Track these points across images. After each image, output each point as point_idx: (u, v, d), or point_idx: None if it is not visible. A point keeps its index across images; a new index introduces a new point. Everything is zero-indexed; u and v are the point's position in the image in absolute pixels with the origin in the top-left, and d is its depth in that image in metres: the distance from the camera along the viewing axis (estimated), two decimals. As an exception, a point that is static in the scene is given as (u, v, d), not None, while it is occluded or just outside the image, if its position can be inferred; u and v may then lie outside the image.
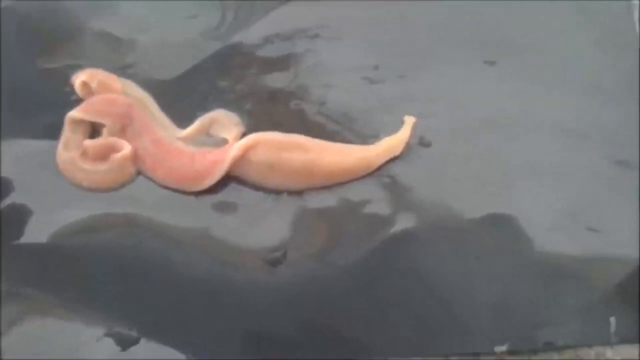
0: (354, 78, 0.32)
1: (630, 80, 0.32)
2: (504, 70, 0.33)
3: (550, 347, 0.28)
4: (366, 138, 0.31)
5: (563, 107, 0.32)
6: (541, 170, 0.30)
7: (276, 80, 0.30)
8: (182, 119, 0.32)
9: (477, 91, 0.32)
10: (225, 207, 0.30)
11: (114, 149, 0.30)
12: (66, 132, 0.31)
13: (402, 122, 0.31)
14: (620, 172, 0.30)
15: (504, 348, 0.28)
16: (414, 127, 0.31)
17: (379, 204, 0.30)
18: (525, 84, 0.32)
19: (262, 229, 0.29)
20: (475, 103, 0.32)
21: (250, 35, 0.34)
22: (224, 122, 0.31)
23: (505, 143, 0.31)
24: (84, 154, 0.30)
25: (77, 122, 0.31)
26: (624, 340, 0.28)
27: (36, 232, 0.29)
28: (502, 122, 0.31)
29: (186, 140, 0.31)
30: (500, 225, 0.29)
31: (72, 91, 0.32)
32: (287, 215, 0.30)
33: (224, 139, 0.31)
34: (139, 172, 0.31)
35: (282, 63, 0.33)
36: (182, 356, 0.27)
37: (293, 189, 0.30)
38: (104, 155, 0.30)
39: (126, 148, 0.30)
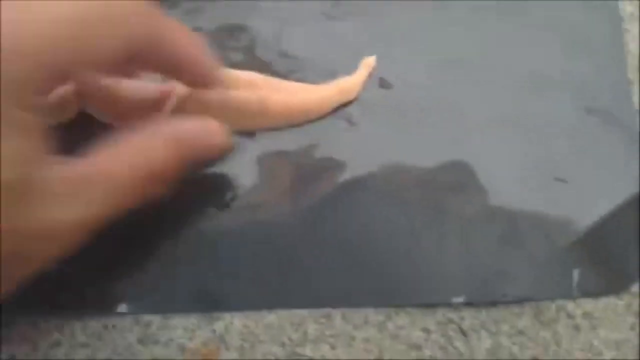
0: (311, 13, 0.30)
1: (602, 27, 0.31)
2: (474, 11, 0.31)
3: (509, 299, 0.27)
4: (323, 78, 0.29)
5: (532, 53, 0.30)
6: (506, 117, 0.29)
7: (227, 12, 0.28)
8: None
9: (445, 32, 0.30)
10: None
11: None
12: None
13: (361, 61, 0.29)
14: (589, 121, 0.29)
15: (461, 299, 0.27)
16: (375, 68, 0.29)
17: (333, 148, 0.28)
18: (495, 28, 0.30)
19: (210, 171, 0.28)
20: (442, 44, 0.30)
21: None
22: None
23: (470, 88, 0.29)
24: None
25: None
26: (586, 294, 0.27)
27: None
28: (468, 66, 0.30)
29: None
30: (460, 174, 0.28)
31: None
32: (236, 158, 0.28)
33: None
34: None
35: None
36: (124, 305, 0.26)
37: (242, 130, 0.28)
38: None
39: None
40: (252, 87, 0.28)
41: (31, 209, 0.19)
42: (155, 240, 0.27)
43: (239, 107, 0.27)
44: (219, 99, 0.27)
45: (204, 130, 0.24)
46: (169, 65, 0.23)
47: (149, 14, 0.22)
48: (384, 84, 0.29)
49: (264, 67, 0.29)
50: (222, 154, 0.25)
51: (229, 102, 0.27)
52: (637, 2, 0.31)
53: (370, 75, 0.29)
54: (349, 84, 0.29)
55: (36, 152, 0.19)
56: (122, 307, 0.26)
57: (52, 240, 0.20)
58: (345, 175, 0.28)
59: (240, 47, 0.29)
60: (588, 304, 0.27)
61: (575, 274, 0.27)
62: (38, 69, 0.18)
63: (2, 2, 0.18)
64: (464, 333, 0.27)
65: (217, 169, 0.28)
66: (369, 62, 0.29)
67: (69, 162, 0.20)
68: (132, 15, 0.21)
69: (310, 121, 0.28)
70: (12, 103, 0.18)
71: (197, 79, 0.25)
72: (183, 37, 0.23)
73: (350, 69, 0.29)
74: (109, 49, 0.20)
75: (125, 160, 0.22)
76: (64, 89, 0.25)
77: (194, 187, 0.27)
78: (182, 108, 0.27)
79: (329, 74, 0.29)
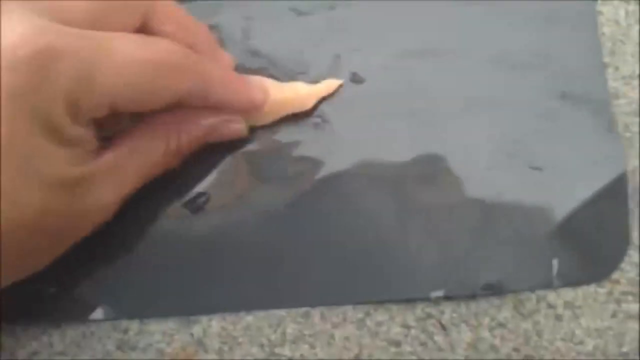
0: (281, 10, 0.30)
1: (575, 10, 0.30)
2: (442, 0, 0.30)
3: (489, 291, 0.26)
4: (294, 75, 0.29)
5: (504, 38, 0.29)
6: (480, 105, 0.28)
7: (194, 11, 0.27)
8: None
9: (415, 21, 0.30)
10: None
11: None
12: None
13: (333, 57, 0.29)
14: (563, 106, 0.28)
15: (440, 293, 0.26)
16: (346, 63, 0.29)
17: (308, 145, 0.28)
18: (465, 13, 0.30)
19: (184, 173, 0.27)
20: (413, 34, 0.29)
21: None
22: None
23: (443, 77, 0.29)
24: None
25: None
26: (566, 283, 0.27)
27: None
28: (440, 54, 0.29)
29: None
30: (435, 166, 0.28)
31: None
32: (212, 158, 0.28)
33: None
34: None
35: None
36: (100, 311, 0.26)
37: None
38: None
39: None
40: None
41: (85, 195, 0.23)
42: (130, 244, 0.27)
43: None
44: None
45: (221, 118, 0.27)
46: (215, 105, 0.26)
47: (198, 64, 0.25)
48: (355, 78, 0.29)
49: (235, 67, 0.28)
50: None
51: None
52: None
53: (327, 95, 0.29)
54: (306, 93, 0.28)
55: (90, 153, 0.23)
56: (98, 313, 0.26)
57: (96, 216, 0.24)
58: (320, 173, 0.28)
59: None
60: (569, 294, 0.27)
61: (555, 263, 0.27)
62: (103, 106, 0.22)
63: (87, 38, 0.21)
64: (444, 327, 0.26)
65: (190, 171, 0.27)
66: (331, 85, 0.28)
67: (111, 147, 0.24)
68: (185, 68, 0.24)
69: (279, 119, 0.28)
70: (77, 122, 0.22)
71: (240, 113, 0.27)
72: (225, 83, 0.26)
73: (321, 65, 0.29)
74: (161, 99, 0.24)
75: (160, 140, 0.25)
76: None
77: (167, 190, 0.27)
78: None
79: (300, 71, 0.29)
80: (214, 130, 0.26)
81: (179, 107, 0.25)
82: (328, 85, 0.28)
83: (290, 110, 0.28)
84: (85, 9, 0.22)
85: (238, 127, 0.27)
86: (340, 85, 0.29)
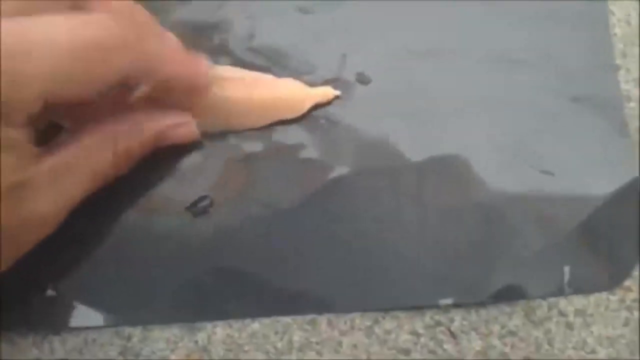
0: (285, 8, 0.29)
1: (586, 10, 0.29)
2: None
3: (499, 299, 0.26)
4: (300, 75, 0.28)
5: (512, 38, 0.29)
6: (488, 107, 0.28)
7: (197, 11, 0.27)
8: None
9: (420, 20, 0.29)
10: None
11: None
12: None
13: (339, 57, 0.28)
14: (575, 109, 0.28)
15: (449, 301, 0.26)
16: (352, 63, 0.28)
17: (313, 148, 0.27)
18: (472, 11, 0.29)
19: (186, 176, 0.27)
20: (418, 33, 0.29)
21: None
22: None
23: (451, 79, 0.28)
24: None
25: None
26: (578, 291, 0.26)
27: None
28: (447, 55, 0.28)
29: None
30: (443, 168, 0.27)
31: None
32: (214, 161, 0.27)
33: None
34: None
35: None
36: (100, 317, 0.25)
37: (225, 131, 0.27)
38: None
39: None
40: (236, 84, 0.27)
41: (21, 204, 0.21)
42: (132, 249, 0.26)
43: (225, 106, 0.26)
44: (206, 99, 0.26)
45: (172, 121, 0.26)
46: (160, 88, 0.24)
47: (139, 41, 0.22)
48: (362, 79, 0.28)
49: (239, 65, 0.28)
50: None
51: (215, 102, 0.26)
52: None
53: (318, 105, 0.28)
54: (302, 96, 0.28)
55: (28, 157, 0.21)
56: (98, 319, 0.25)
57: (36, 228, 0.22)
58: (326, 176, 0.27)
59: (214, 46, 0.28)
60: (580, 301, 0.26)
61: (566, 270, 0.26)
62: (35, 100, 0.20)
63: (5, 31, 0.19)
64: (453, 335, 0.26)
65: (194, 175, 0.27)
66: (327, 93, 0.28)
67: (52, 151, 0.22)
68: (123, 47, 0.22)
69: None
70: (9, 124, 0.20)
71: (189, 94, 0.25)
72: (172, 60, 0.24)
73: (327, 64, 0.28)
74: (101, 81, 0.21)
75: (108, 146, 0.24)
76: None
77: (171, 194, 0.26)
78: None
79: (306, 71, 0.28)
80: (164, 134, 0.25)
81: (128, 110, 0.24)
82: (325, 92, 0.28)
83: (283, 113, 0.27)
84: None
85: (190, 130, 0.26)
86: (336, 97, 0.28)
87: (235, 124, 0.27)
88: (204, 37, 0.28)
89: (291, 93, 0.27)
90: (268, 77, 0.28)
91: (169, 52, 0.24)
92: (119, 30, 0.22)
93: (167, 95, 0.25)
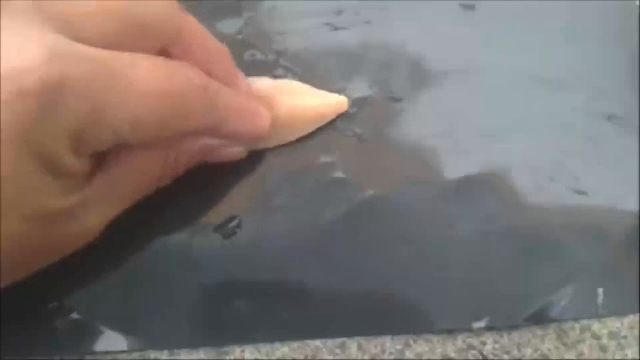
0: (316, 24, 0.29)
1: (620, 29, 0.29)
2: (482, 16, 0.29)
3: (532, 321, 0.25)
4: (332, 92, 0.28)
5: (549, 58, 0.29)
6: (523, 126, 0.28)
7: (228, 27, 0.26)
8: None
9: (453, 38, 0.29)
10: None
11: None
12: None
13: (370, 74, 0.28)
14: (609, 128, 0.28)
15: (482, 324, 0.25)
16: (383, 81, 0.28)
17: (344, 167, 0.27)
18: (507, 30, 0.29)
19: (215, 197, 0.26)
20: (450, 51, 0.29)
21: (198, -25, 0.30)
22: None
23: (482, 98, 0.28)
24: None
25: None
26: (612, 313, 0.26)
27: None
28: (481, 72, 0.28)
29: None
30: (478, 189, 0.27)
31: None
32: (243, 182, 0.27)
33: None
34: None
35: (234, 7, 0.29)
36: (125, 341, 0.25)
37: (254, 149, 0.27)
38: None
39: None
40: (278, 97, 0.26)
41: (69, 223, 0.21)
42: (159, 272, 0.26)
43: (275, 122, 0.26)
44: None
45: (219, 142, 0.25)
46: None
47: (215, 96, 0.23)
48: (393, 96, 0.28)
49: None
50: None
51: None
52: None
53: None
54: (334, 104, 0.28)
55: (83, 181, 0.21)
56: (122, 344, 0.25)
57: (79, 239, 0.22)
58: (358, 196, 0.27)
59: (243, 63, 0.28)
60: (614, 324, 0.26)
61: (600, 292, 0.26)
62: (108, 139, 0.20)
63: (105, 68, 0.19)
64: (486, 359, 0.25)
65: (223, 194, 0.26)
66: (341, 104, 0.28)
67: (103, 169, 0.21)
68: (200, 101, 0.22)
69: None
70: (78, 154, 0.20)
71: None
72: (238, 116, 0.24)
73: (358, 82, 0.28)
74: (173, 131, 0.22)
75: (158, 160, 0.23)
76: None
77: (199, 215, 0.26)
78: None
79: (337, 88, 0.28)
80: (212, 151, 0.25)
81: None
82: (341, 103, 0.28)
83: (322, 119, 0.27)
84: (105, 27, 0.19)
85: (237, 150, 0.26)
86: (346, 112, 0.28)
87: (280, 138, 0.27)
88: (233, 54, 0.28)
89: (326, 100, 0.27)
90: (298, 85, 0.27)
91: (237, 106, 0.24)
92: (199, 84, 0.22)
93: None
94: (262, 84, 0.27)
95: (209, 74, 0.23)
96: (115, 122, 0.19)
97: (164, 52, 0.22)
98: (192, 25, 0.23)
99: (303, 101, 0.27)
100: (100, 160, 0.22)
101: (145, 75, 0.20)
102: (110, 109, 0.19)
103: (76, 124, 0.18)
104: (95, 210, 0.22)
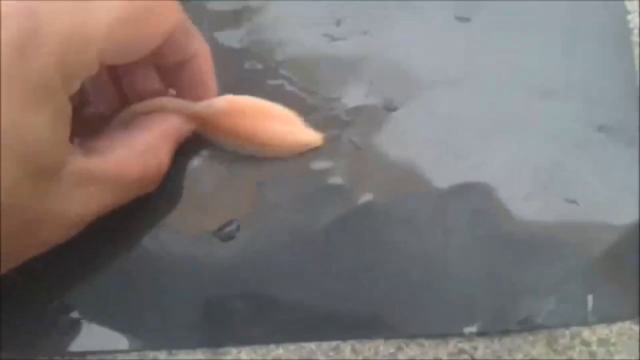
0: (315, 35, 0.29)
1: (612, 39, 0.30)
2: (477, 27, 0.30)
3: (523, 327, 0.26)
4: (329, 101, 0.28)
5: (540, 67, 0.29)
6: (514, 135, 0.28)
7: (228, 37, 0.27)
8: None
9: (448, 49, 0.29)
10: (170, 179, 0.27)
11: None
12: None
13: (367, 83, 0.29)
14: (600, 138, 0.28)
15: (473, 329, 0.26)
16: (380, 89, 0.28)
17: (340, 173, 0.28)
18: (499, 39, 0.29)
19: (213, 201, 0.27)
20: (446, 62, 0.29)
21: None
22: None
23: (478, 105, 0.29)
24: None
25: None
26: (601, 320, 0.26)
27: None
28: (475, 82, 0.29)
29: None
30: (470, 197, 0.27)
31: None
32: (241, 186, 0.27)
33: None
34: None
35: (234, 18, 0.30)
36: (125, 340, 0.25)
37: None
38: None
39: None
40: (252, 113, 0.27)
41: (50, 195, 0.21)
42: (159, 273, 0.26)
43: (240, 132, 0.27)
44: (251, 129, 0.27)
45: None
46: (178, 68, 0.25)
47: (180, 10, 0.24)
48: (389, 105, 0.28)
49: (267, 90, 0.28)
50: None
51: (231, 128, 0.27)
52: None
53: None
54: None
55: (68, 141, 0.21)
56: (123, 343, 0.25)
57: (62, 227, 0.22)
58: (354, 202, 0.27)
59: (243, 73, 0.29)
60: (603, 330, 0.26)
61: (590, 299, 0.26)
62: (93, 62, 0.21)
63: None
64: (477, 363, 0.26)
65: (221, 198, 0.27)
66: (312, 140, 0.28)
67: (90, 155, 0.22)
68: (169, 11, 0.23)
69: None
70: (67, 89, 0.20)
71: (194, 89, 0.26)
72: (197, 36, 0.25)
73: (354, 90, 0.29)
74: (149, 43, 0.23)
75: (140, 161, 0.24)
76: None
77: (197, 219, 0.27)
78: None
79: (335, 96, 0.29)
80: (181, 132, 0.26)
81: (153, 117, 0.25)
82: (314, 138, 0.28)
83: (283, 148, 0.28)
84: None
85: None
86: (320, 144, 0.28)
87: (251, 150, 0.27)
88: (234, 63, 0.29)
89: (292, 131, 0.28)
90: (282, 110, 0.28)
91: (199, 44, 0.25)
92: None
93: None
94: (242, 99, 0.27)
95: None
96: (94, 45, 0.20)
97: None
98: None
99: (273, 125, 0.27)
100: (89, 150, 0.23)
101: None
102: (87, 24, 0.20)
103: (59, 49, 0.19)
104: (71, 194, 0.21)
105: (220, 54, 0.28)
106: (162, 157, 0.25)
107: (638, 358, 0.26)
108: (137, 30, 0.22)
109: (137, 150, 0.24)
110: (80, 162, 0.22)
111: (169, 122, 0.25)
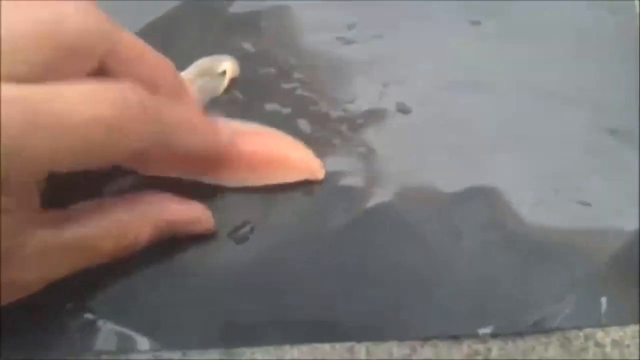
0: (328, 38, 0.30)
1: (623, 44, 0.30)
2: (489, 32, 0.30)
3: (537, 329, 0.26)
4: (342, 104, 0.29)
5: (552, 72, 0.29)
6: (526, 139, 0.28)
7: (242, 42, 0.27)
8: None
9: (461, 53, 0.30)
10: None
11: None
12: None
13: (380, 86, 0.29)
14: (612, 142, 0.28)
15: (487, 330, 0.26)
16: (393, 92, 0.29)
17: (353, 176, 0.28)
18: (512, 45, 0.30)
19: (228, 203, 0.27)
20: (459, 65, 0.29)
21: (212, -10, 0.31)
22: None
23: (490, 109, 0.29)
24: None
25: None
26: (615, 322, 0.26)
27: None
28: (487, 86, 0.29)
29: None
30: (482, 199, 0.27)
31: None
32: (255, 187, 0.27)
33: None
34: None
35: (247, 22, 0.30)
36: (146, 343, 0.25)
37: (249, 184, 0.28)
38: None
39: None
40: (254, 137, 0.27)
41: (13, 269, 0.21)
42: (173, 275, 0.26)
43: (244, 160, 0.27)
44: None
45: (189, 216, 0.26)
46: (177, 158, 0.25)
47: (157, 113, 0.22)
48: (402, 108, 0.29)
49: (279, 95, 0.28)
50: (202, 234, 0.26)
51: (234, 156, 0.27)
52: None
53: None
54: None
55: (23, 223, 0.21)
56: (143, 344, 0.25)
57: (24, 289, 0.23)
58: (366, 204, 0.27)
59: (256, 77, 0.29)
60: (617, 332, 0.26)
61: (603, 301, 0.26)
62: (36, 173, 0.20)
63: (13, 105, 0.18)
64: (491, 365, 0.26)
65: (236, 201, 0.27)
66: (313, 168, 0.28)
67: (62, 225, 0.22)
68: (137, 122, 0.21)
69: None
70: (9, 194, 0.20)
71: (207, 159, 0.26)
72: (189, 130, 0.24)
73: (367, 93, 0.29)
74: (113, 155, 0.21)
75: (111, 237, 0.23)
76: None
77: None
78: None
79: (348, 100, 0.29)
80: (180, 227, 0.26)
81: (141, 197, 0.25)
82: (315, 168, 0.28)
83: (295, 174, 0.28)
84: (33, 60, 0.19)
85: (207, 227, 0.26)
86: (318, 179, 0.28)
87: (253, 179, 0.27)
88: (247, 67, 0.29)
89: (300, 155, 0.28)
90: (279, 134, 0.28)
91: (187, 120, 0.24)
92: (137, 104, 0.21)
93: (184, 161, 0.26)
94: (242, 125, 0.28)
95: (156, 88, 0.23)
96: (36, 157, 0.19)
97: (103, 69, 0.22)
98: (127, 39, 0.22)
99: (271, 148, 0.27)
100: (56, 218, 0.22)
101: (67, 107, 0.19)
102: (29, 145, 0.19)
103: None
104: (32, 266, 0.22)
105: (235, 57, 0.29)
106: (140, 237, 0.24)
107: (652, 360, 0.26)
108: (101, 143, 0.20)
109: (112, 228, 0.24)
110: (46, 235, 0.22)
111: (154, 207, 0.25)
